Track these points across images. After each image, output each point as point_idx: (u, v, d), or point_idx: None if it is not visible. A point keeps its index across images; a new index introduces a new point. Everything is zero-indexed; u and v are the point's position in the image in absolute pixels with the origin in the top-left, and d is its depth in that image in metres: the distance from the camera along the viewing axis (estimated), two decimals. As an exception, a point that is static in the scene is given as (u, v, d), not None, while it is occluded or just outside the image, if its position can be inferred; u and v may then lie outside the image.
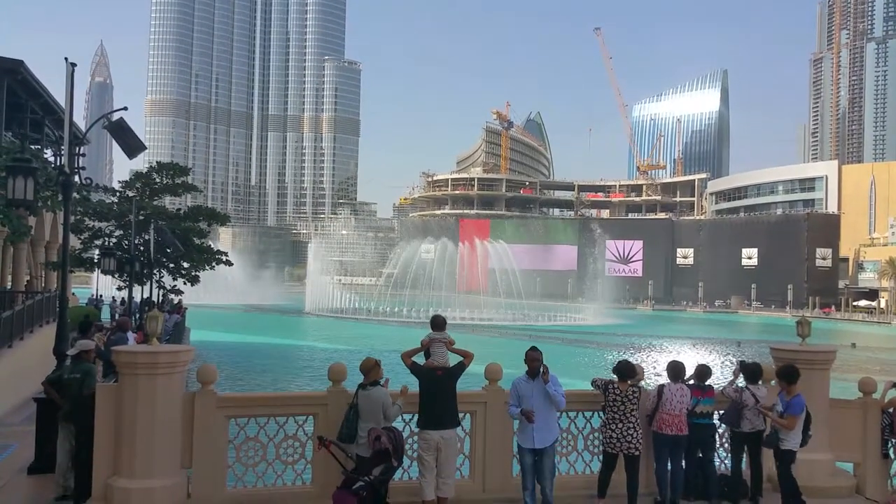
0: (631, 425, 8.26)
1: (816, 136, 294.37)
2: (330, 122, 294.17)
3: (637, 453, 8.27)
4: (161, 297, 38.92)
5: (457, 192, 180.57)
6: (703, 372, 9.12)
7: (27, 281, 37.77)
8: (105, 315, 37.44)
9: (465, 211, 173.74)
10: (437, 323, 8.29)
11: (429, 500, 7.59)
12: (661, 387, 8.79)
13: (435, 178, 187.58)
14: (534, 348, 8.03)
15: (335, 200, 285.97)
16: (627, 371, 8.46)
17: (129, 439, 7.46)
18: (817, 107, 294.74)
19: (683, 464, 8.93)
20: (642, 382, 8.93)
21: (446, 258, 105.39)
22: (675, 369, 8.88)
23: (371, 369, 7.68)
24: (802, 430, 8.48)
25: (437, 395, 7.72)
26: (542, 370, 7.83)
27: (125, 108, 13.06)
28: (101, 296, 43.47)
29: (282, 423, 8.22)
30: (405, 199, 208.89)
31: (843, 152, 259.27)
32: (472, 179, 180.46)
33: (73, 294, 36.91)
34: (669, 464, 8.80)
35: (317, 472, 8.09)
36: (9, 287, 33.05)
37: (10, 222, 19.52)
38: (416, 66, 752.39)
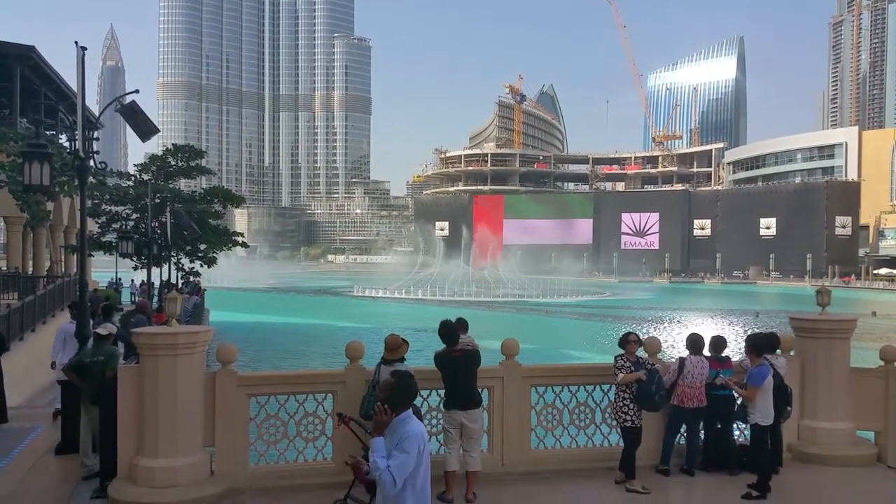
0: (618, 396, 8.33)
1: (836, 103, 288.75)
2: (341, 101, 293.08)
3: (623, 425, 8.24)
4: (183, 279, 39.35)
5: (470, 168, 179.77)
6: (719, 343, 9.06)
7: (48, 266, 38.36)
8: (125, 298, 37.96)
9: (479, 187, 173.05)
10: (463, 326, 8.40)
11: (451, 470, 7.70)
12: (682, 359, 8.77)
13: (448, 154, 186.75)
14: (394, 372, 4.70)
15: (348, 179, 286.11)
16: (621, 341, 8.49)
17: (152, 419, 7.58)
18: (837, 72, 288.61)
19: (702, 434, 8.95)
20: (644, 354, 8.86)
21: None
22: (695, 342, 8.84)
23: (398, 346, 7.74)
24: (780, 404, 8.36)
25: (457, 375, 7.78)
26: (380, 411, 4.21)
27: (137, 91, 13.05)
28: (120, 279, 44.00)
29: (301, 401, 8.31)
30: (418, 176, 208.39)
31: (864, 118, 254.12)
32: (486, 155, 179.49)
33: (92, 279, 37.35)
34: (685, 435, 8.83)
35: (337, 449, 8.18)
36: (30, 272, 33.59)
37: (29, 207, 19.80)
38: (427, 41, 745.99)
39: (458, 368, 7.78)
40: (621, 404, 8.25)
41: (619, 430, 8.48)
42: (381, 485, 4.06)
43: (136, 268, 36.18)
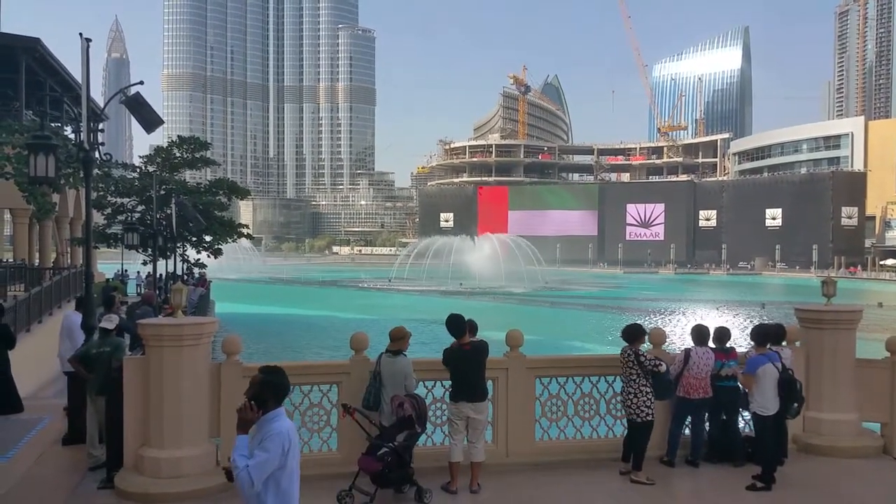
0: (632, 391, 8.17)
1: (842, 92, 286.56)
2: (346, 92, 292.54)
3: (638, 420, 8.10)
4: (187, 271, 39.44)
5: (474, 159, 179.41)
6: (723, 334, 9.04)
7: (54, 258, 38.51)
8: (130, 289, 38.09)
9: (484, 178, 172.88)
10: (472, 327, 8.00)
11: (455, 461, 7.72)
12: (688, 350, 8.73)
13: (452, 145, 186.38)
14: (263, 368, 4.28)
15: (353, 171, 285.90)
16: (629, 334, 8.40)
17: (157, 410, 7.61)
18: (843, 61, 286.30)
19: (707, 426, 8.93)
20: (646, 346, 8.77)
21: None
22: (700, 333, 8.83)
23: (401, 338, 7.75)
24: (787, 398, 8.05)
25: (464, 368, 7.78)
26: (245, 407, 4.04)
27: (141, 83, 13.02)
28: (126, 271, 44.18)
29: (307, 392, 8.33)
30: (423, 167, 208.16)
31: (870, 108, 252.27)
32: (490, 146, 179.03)
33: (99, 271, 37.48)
34: (689, 426, 8.82)
35: (342, 439, 8.21)
36: (36, 263, 33.73)
37: (35, 199, 19.83)
38: (431, 32, 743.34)
39: (468, 361, 7.77)
40: (644, 398, 8.09)
41: (631, 423, 8.29)
42: (239, 484, 3.91)
43: (145, 262, 36.27)
